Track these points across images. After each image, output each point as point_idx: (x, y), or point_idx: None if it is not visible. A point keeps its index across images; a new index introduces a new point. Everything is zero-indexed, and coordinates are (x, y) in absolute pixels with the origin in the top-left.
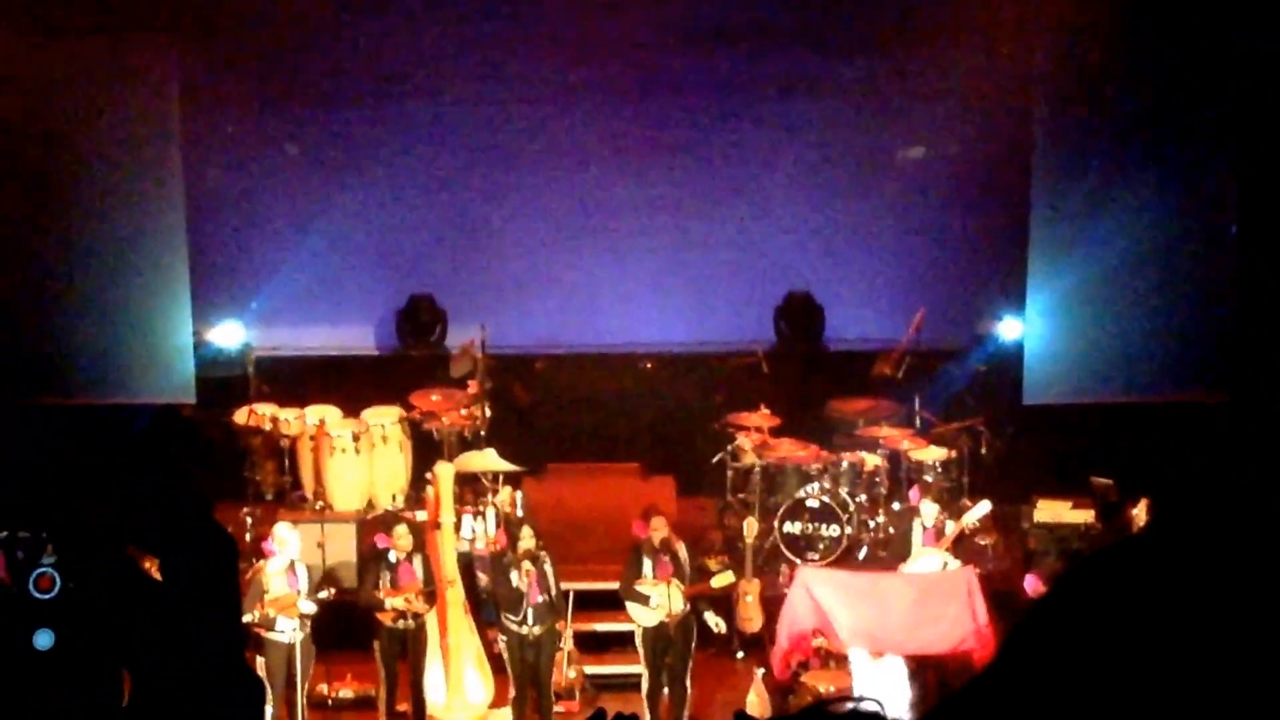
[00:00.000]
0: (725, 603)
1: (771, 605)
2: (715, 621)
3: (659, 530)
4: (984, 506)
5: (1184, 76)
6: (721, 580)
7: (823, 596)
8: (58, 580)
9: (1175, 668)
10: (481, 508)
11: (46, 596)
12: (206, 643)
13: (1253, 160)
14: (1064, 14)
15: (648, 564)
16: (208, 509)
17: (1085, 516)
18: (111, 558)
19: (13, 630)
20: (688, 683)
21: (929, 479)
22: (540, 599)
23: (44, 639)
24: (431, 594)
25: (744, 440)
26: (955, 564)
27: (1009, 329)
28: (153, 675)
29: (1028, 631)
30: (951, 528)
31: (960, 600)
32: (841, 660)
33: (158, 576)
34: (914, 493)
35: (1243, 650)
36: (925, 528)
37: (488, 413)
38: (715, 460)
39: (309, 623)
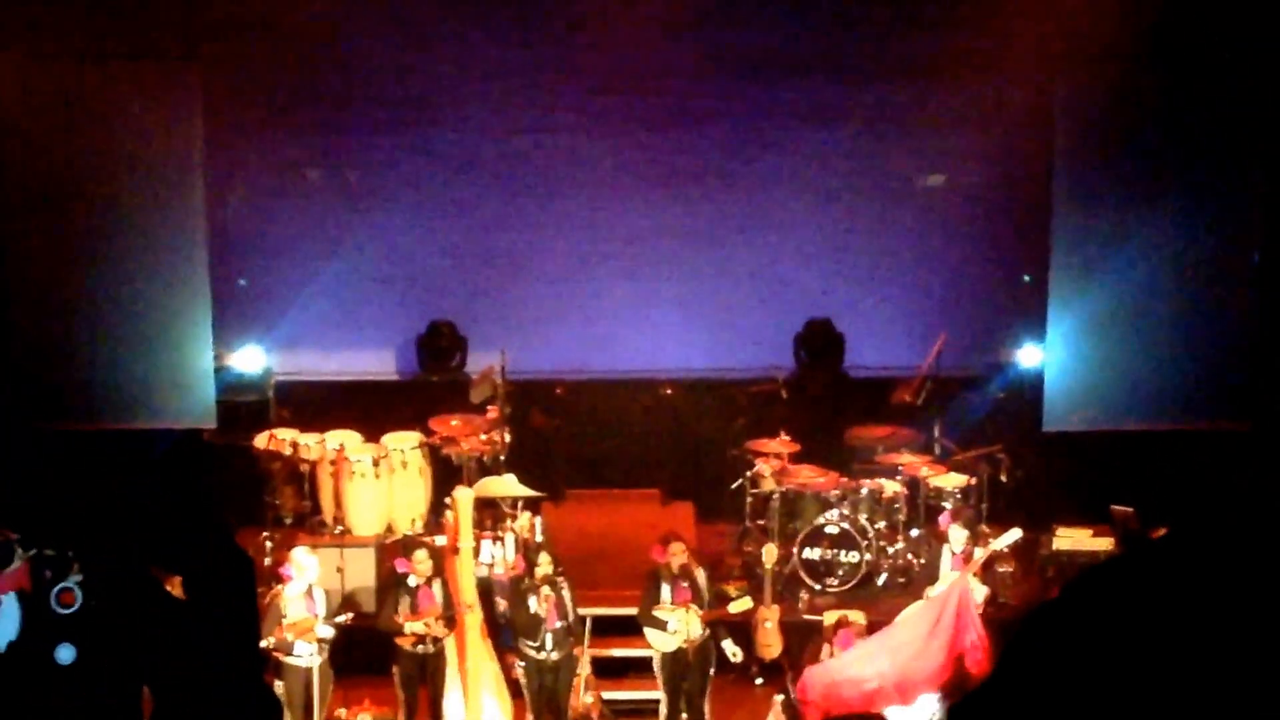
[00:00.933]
0: (744, 629)
1: (791, 632)
2: (733, 651)
3: (677, 555)
4: (1014, 534)
5: (1205, 104)
6: (740, 606)
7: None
8: (79, 596)
9: (1176, 674)
10: (501, 533)
11: (68, 612)
12: (226, 660)
13: (1276, 187)
14: (1084, 42)
15: (666, 589)
16: (228, 531)
17: (1106, 545)
18: (133, 576)
19: (35, 644)
20: (706, 708)
21: (947, 505)
22: (558, 624)
23: (66, 653)
24: (450, 619)
25: (763, 466)
26: (982, 589)
27: (1029, 356)
28: (172, 691)
29: (1033, 635)
30: (980, 553)
31: (965, 613)
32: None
33: (180, 595)
34: (944, 518)
35: (1243, 658)
36: (954, 553)
37: (507, 438)
38: (734, 486)
39: (327, 647)
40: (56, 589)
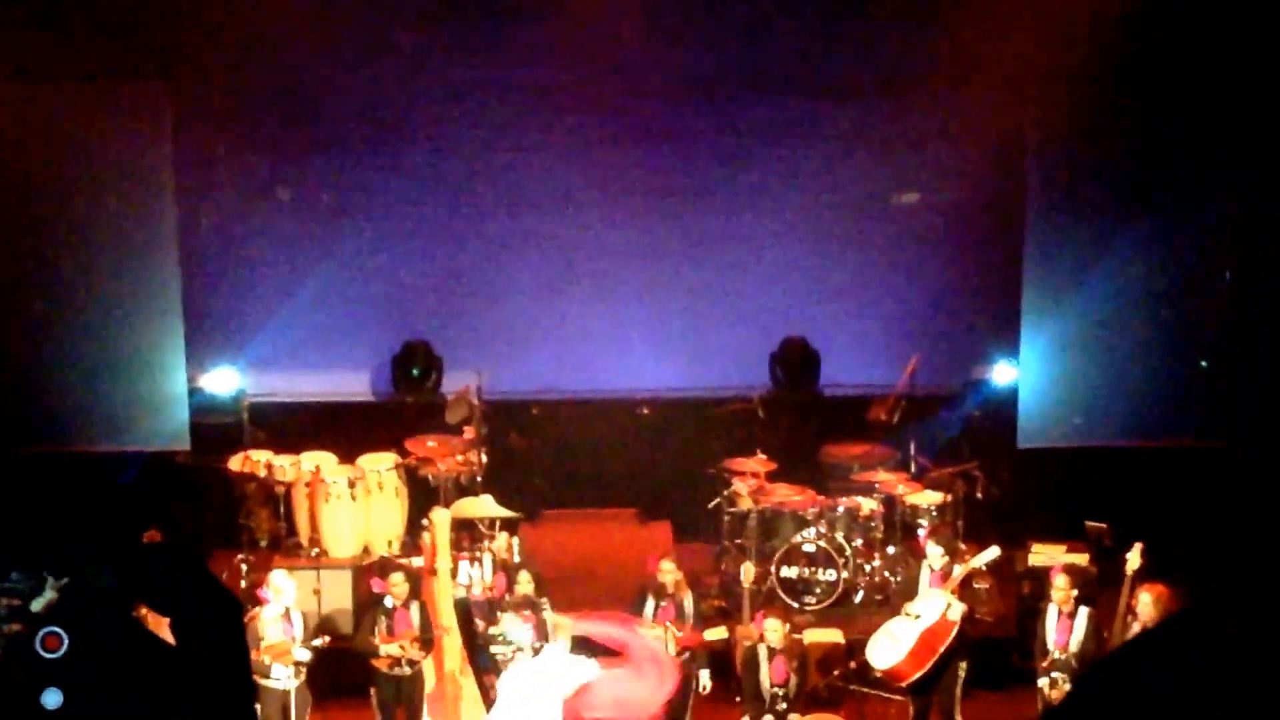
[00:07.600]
0: (726, 649)
1: None
2: (704, 684)
3: (666, 574)
4: (993, 551)
5: (1176, 123)
6: (715, 634)
7: None
8: (65, 640)
9: None
10: (478, 554)
11: (54, 656)
12: (216, 703)
13: (1248, 205)
14: (1058, 61)
15: (650, 605)
16: (211, 572)
17: (1080, 560)
18: (120, 618)
19: (21, 688)
20: None
21: (923, 522)
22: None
23: (53, 698)
24: (427, 641)
25: (740, 485)
26: (959, 606)
27: (1003, 373)
28: None
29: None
30: (958, 570)
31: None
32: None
33: (167, 636)
34: (923, 535)
35: None
36: (933, 570)
37: (484, 459)
38: (711, 505)
39: (304, 670)
40: (41, 633)
